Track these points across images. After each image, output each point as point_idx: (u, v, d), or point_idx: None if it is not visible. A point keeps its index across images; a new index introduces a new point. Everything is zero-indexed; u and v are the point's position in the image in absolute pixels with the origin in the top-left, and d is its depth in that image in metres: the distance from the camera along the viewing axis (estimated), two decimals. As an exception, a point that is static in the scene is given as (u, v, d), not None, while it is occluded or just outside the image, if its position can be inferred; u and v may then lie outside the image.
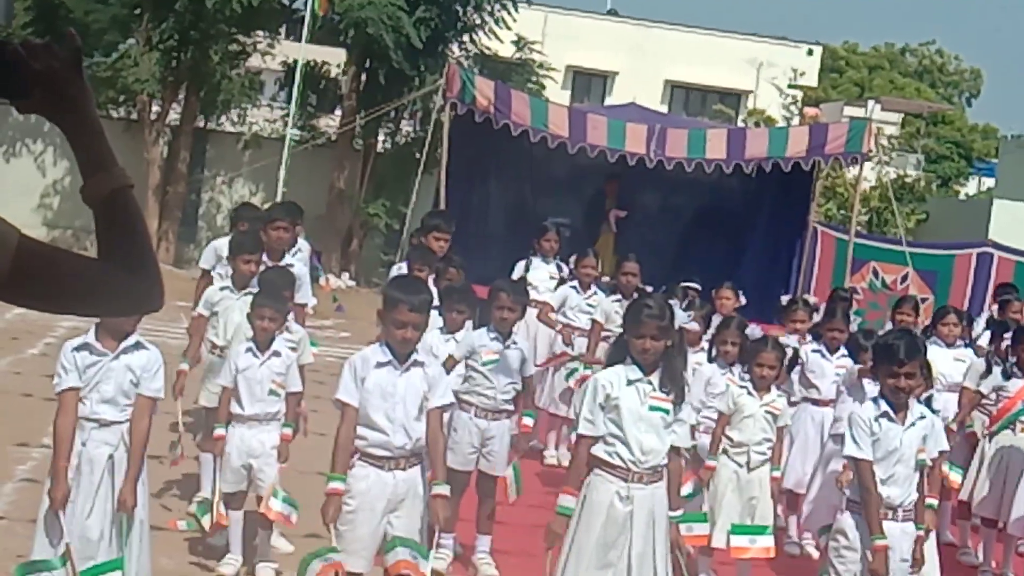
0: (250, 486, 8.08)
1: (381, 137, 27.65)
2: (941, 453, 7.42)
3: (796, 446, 10.02)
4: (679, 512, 6.79)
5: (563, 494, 6.58)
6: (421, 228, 11.31)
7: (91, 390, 6.58)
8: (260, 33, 27.71)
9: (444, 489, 6.69)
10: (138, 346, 6.71)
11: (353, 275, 25.93)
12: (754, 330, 9.39)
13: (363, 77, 27.14)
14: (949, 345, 11.08)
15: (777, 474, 8.75)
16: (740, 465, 8.46)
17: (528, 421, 8.87)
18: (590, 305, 12.09)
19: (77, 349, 6.64)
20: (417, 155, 20.58)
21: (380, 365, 6.48)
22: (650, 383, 6.53)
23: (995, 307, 13.53)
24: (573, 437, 8.09)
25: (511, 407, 8.69)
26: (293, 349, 8.43)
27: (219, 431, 8.05)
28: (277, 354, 8.07)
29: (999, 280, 18.58)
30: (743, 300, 11.73)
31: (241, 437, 8.04)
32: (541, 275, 13.05)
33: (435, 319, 8.63)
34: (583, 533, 6.55)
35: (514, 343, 8.66)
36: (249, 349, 8.06)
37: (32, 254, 2.46)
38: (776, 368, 8.62)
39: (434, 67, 24.11)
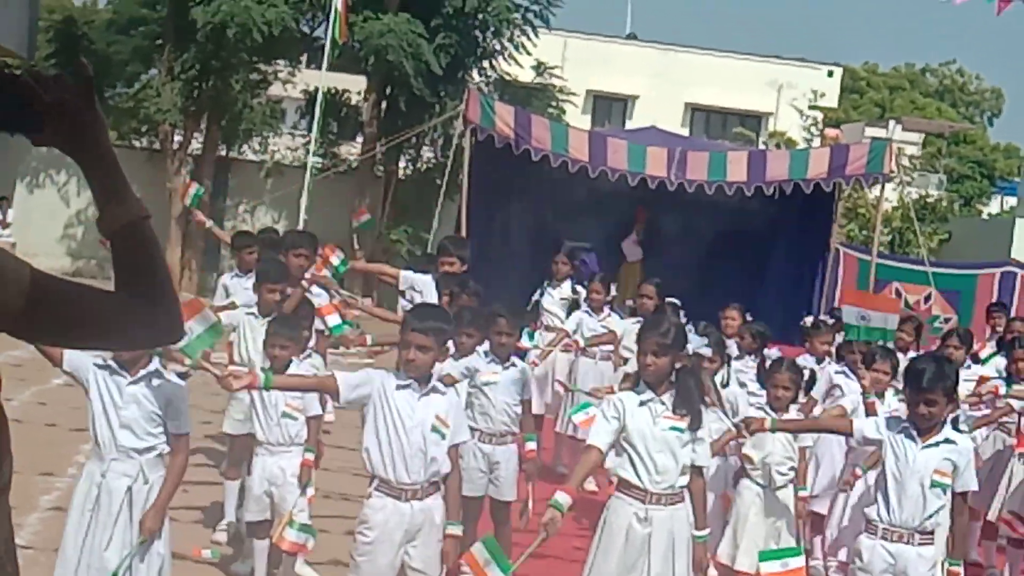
0: (274, 514, 8.07)
1: (402, 163, 27.76)
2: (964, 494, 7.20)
3: (822, 468, 9.99)
4: (705, 531, 6.77)
5: (560, 491, 6.53)
6: (438, 252, 11.35)
7: (111, 413, 6.57)
8: (280, 62, 27.88)
9: (457, 529, 6.68)
10: (159, 375, 6.70)
11: (376, 301, 25.92)
12: (771, 352, 9.40)
13: (383, 104, 27.25)
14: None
15: (805, 493, 8.72)
16: (763, 486, 8.43)
17: (531, 445, 8.78)
18: (604, 327, 12.12)
19: (98, 366, 6.67)
20: (438, 181, 20.66)
21: (400, 388, 6.48)
22: (662, 403, 6.55)
23: (991, 325, 13.92)
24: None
25: (515, 430, 8.65)
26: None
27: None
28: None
29: (1022, 298, 18.55)
30: (748, 319, 11.71)
31: (263, 465, 8.05)
32: (550, 300, 13.13)
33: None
34: (603, 556, 6.55)
35: (513, 364, 8.65)
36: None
37: (46, 289, 2.44)
38: (791, 389, 8.60)
39: (454, 93, 24.23)
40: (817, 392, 10.08)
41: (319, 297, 9.90)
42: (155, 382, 6.63)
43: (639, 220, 19.41)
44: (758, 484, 8.47)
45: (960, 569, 7.01)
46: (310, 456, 8.01)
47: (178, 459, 6.72)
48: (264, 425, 8.03)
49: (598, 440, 6.58)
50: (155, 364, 6.67)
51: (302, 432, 8.05)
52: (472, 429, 8.33)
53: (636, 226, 19.75)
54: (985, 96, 66.60)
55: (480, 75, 27.52)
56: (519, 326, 8.59)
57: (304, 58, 29.80)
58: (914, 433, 6.90)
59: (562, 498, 6.41)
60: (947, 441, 6.92)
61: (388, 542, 6.43)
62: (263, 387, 6.65)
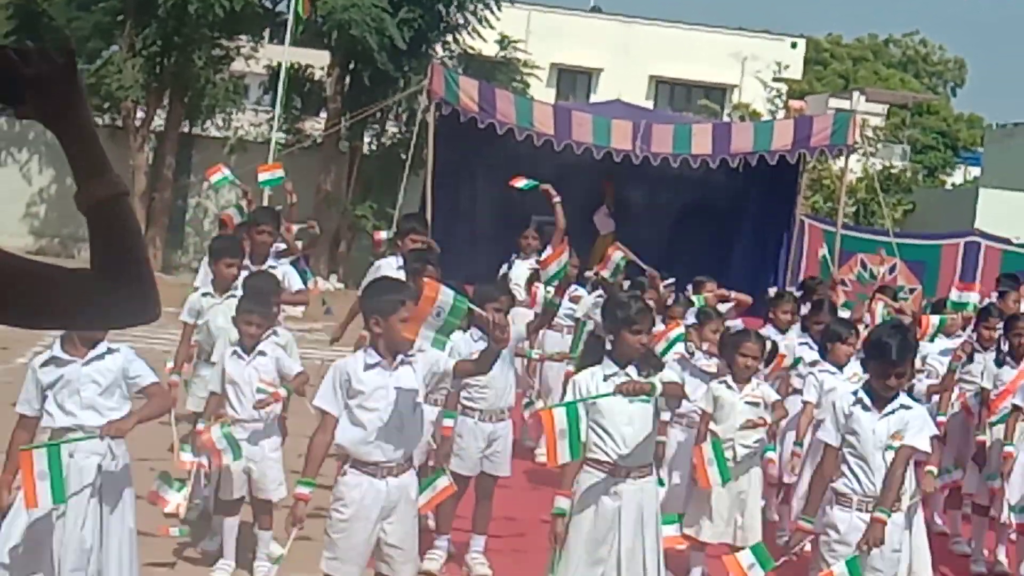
0: (250, 492, 8.03)
1: (367, 139, 27.64)
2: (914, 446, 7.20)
3: (789, 438, 10.00)
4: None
5: (557, 496, 6.61)
6: (398, 232, 11.29)
7: (69, 397, 6.58)
8: (243, 37, 27.68)
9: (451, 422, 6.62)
10: (109, 351, 6.69)
11: (341, 277, 25.90)
12: (736, 323, 9.43)
13: (347, 79, 27.13)
14: (949, 335, 11.21)
15: (772, 454, 8.77)
16: (727, 459, 8.46)
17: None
18: (570, 302, 12.08)
19: (44, 365, 6.67)
20: (403, 156, 20.58)
21: (369, 367, 6.45)
22: (627, 375, 6.57)
23: (994, 296, 13.60)
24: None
25: (511, 405, 8.71)
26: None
27: (202, 426, 8.03)
28: (263, 353, 8.01)
29: (986, 269, 18.65)
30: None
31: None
32: (519, 272, 13.10)
33: None
34: (573, 530, 6.59)
35: None
36: (235, 352, 8.02)
37: (16, 270, 2.41)
38: (758, 359, 8.65)
39: (418, 68, 24.12)
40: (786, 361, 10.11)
41: (283, 268, 9.88)
42: (107, 357, 6.64)
43: (608, 192, 19.41)
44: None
45: (885, 517, 6.92)
46: (282, 391, 7.93)
47: (157, 399, 6.77)
48: (237, 402, 7.97)
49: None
50: (104, 343, 6.66)
51: (276, 407, 8.02)
52: (472, 410, 8.39)
53: (606, 199, 19.75)
54: (948, 66, 66.85)
55: (444, 49, 27.41)
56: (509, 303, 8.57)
57: (267, 33, 29.59)
58: (869, 403, 6.89)
59: (563, 503, 6.56)
60: (903, 407, 6.91)
61: (364, 519, 6.43)
62: (308, 491, 6.54)
